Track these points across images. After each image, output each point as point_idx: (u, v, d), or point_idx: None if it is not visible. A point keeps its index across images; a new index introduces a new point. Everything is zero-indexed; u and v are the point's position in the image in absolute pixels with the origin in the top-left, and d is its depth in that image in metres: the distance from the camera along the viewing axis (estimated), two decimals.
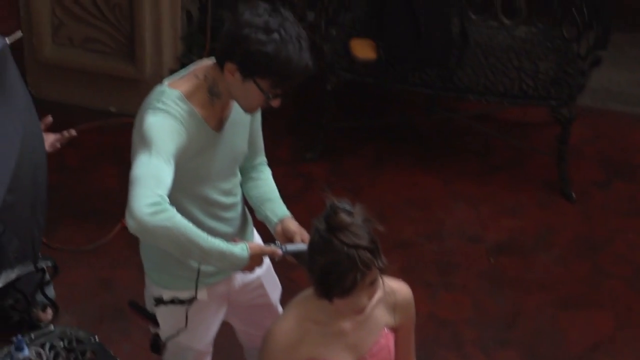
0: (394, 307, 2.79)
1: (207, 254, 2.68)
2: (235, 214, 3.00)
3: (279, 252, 2.84)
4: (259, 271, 3.03)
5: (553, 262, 4.38)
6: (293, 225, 2.95)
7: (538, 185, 4.72)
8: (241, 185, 3.05)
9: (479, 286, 4.26)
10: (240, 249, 2.75)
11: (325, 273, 2.60)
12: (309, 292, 2.73)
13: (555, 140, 4.70)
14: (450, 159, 4.84)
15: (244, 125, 2.92)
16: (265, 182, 3.06)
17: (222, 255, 2.71)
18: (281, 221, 2.97)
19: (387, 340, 2.77)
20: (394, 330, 2.80)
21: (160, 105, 2.71)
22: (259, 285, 3.13)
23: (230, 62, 2.69)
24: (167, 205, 2.59)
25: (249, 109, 2.79)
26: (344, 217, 2.59)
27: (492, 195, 4.67)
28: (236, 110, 2.85)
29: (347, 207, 2.62)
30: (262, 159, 3.09)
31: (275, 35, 2.65)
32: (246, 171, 3.06)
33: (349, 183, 4.66)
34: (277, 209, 3.00)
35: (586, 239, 4.49)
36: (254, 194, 3.04)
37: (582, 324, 4.11)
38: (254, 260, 2.79)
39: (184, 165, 2.75)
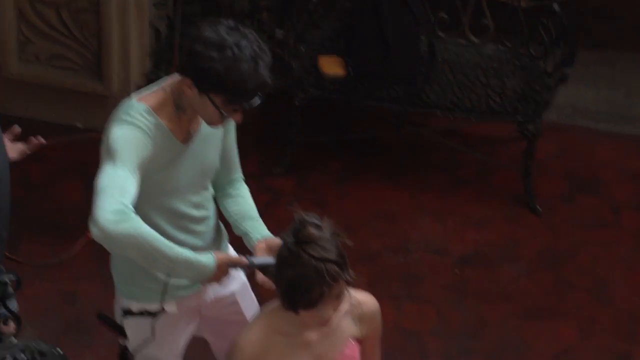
0: (360, 318, 2.82)
1: (173, 263, 2.70)
2: (207, 227, 3.01)
3: (245, 261, 2.86)
4: (233, 287, 3.05)
5: (518, 274, 4.43)
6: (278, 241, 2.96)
7: (504, 199, 4.78)
8: (217, 200, 3.07)
9: (444, 297, 4.31)
10: (207, 258, 2.76)
11: (293, 286, 2.63)
12: (275, 303, 2.76)
13: (522, 155, 4.76)
14: (417, 173, 4.88)
15: (215, 140, 2.94)
16: (245, 200, 3.07)
17: (189, 264, 2.73)
18: (265, 239, 2.98)
19: (353, 351, 2.81)
20: (360, 341, 2.83)
21: (126, 117, 2.74)
22: (234, 302, 3.13)
23: (187, 77, 2.73)
24: (131, 214, 2.61)
25: (210, 123, 2.82)
26: (312, 230, 2.62)
27: (458, 209, 4.71)
28: (206, 124, 2.88)
29: (316, 220, 2.65)
30: (238, 175, 3.10)
31: (228, 53, 2.67)
32: (222, 187, 3.08)
33: (317, 197, 4.69)
34: (260, 228, 3.01)
35: (551, 252, 4.54)
36: (234, 210, 3.05)
37: (546, 335, 4.16)
38: (222, 270, 2.80)
39: (151, 176, 2.77)
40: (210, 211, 3.02)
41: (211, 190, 3.03)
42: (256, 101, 2.75)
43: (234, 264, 2.85)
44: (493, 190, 4.82)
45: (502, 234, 4.61)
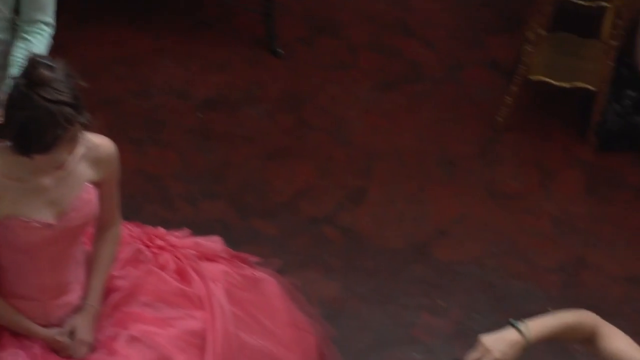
0: (97, 162, 2.79)
1: None
2: None
3: None
4: None
5: (260, 116, 4.50)
6: None
7: (246, 42, 4.79)
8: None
9: (187, 141, 4.33)
10: None
11: (25, 129, 2.56)
12: (2, 146, 2.68)
13: None
14: (158, 15, 4.80)
15: None
16: (28, 46, 2.92)
17: None
18: None
19: (90, 194, 2.78)
20: (97, 184, 2.81)
21: None
22: None
23: None
24: None
25: None
26: (44, 72, 2.55)
27: (200, 52, 4.70)
28: None
29: (48, 62, 2.58)
30: (43, 17, 2.94)
31: None
32: (22, 26, 2.92)
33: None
34: None
35: (291, 93, 4.63)
36: (15, 54, 2.90)
37: (286, 174, 4.28)
38: None
39: None
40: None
41: (5, 13, 2.85)
42: None
43: None
44: (235, 33, 4.82)
45: (244, 77, 4.65)
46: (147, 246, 3.04)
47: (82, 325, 2.82)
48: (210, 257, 3.12)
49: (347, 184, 4.28)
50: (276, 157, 4.34)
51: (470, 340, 2.35)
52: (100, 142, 2.80)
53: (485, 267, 4.02)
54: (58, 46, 4.46)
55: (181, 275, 3.01)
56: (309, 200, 4.18)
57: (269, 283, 3.20)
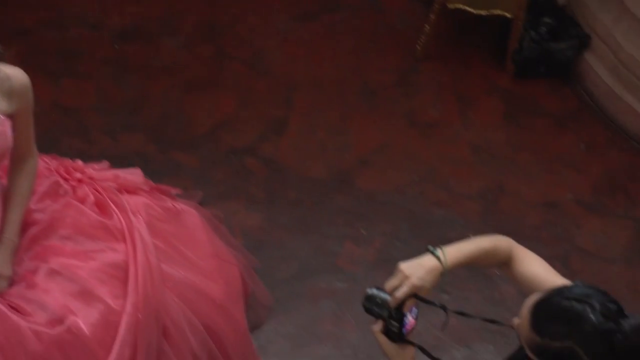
0: (10, 93, 2.72)
1: None
2: None
3: None
4: None
5: (178, 47, 4.43)
6: None
7: None
8: None
9: (104, 73, 4.25)
10: None
11: None
12: None
13: None
14: None
15: None
16: None
17: None
18: None
19: (4, 126, 2.72)
20: (11, 116, 2.74)
21: None
22: None
23: None
24: None
25: None
26: None
27: None
28: None
29: None
30: None
31: None
32: None
33: None
34: None
35: (210, 24, 4.56)
36: None
37: (206, 106, 4.23)
38: None
39: None
40: None
41: None
42: None
43: None
44: None
45: (161, 7, 4.57)
46: (66, 179, 2.98)
47: (1, 259, 2.78)
48: (130, 190, 3.08)
49: (267, 114, 4.25)
50: (195, 89, 4.29)
51: (392, 267, 2.37)
52: (12, 73, 2.73)
53: (406, 196, 4.04)
54: None
55: (101, 208, 2.97)
56: (229, 132, 4.15)
57: (190, 215, 3.18)
